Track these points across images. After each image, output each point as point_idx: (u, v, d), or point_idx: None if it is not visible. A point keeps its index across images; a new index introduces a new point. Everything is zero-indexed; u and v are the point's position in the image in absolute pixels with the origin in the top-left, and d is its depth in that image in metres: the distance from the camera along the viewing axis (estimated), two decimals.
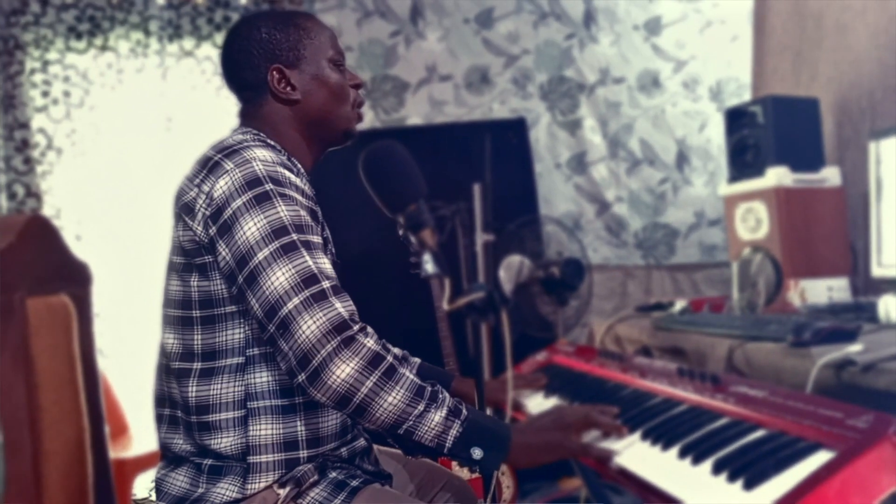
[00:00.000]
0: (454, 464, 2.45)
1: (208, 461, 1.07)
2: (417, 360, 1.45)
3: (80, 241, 2.92)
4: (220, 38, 3.06)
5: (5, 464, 1.08)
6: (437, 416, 0.98)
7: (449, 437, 0.99)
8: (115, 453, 2.28)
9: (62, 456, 1.13)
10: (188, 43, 3.05)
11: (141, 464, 2.33)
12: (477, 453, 1.00)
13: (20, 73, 2.90)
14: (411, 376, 0.99)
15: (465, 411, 1.01)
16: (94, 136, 2.97)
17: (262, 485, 1.05)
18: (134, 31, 3.01)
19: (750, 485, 0.80)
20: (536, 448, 1.04)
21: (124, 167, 2.98)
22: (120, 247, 2.94)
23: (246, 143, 1.07)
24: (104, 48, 2.99)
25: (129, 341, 2.90)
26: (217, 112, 3.04)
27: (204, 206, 1.03)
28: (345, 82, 1.20)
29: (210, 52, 3.06)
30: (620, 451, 1.07)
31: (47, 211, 2.91)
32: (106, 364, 2.83)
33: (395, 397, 0.96)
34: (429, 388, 1.00)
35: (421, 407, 0.98)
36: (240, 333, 1.07)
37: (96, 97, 2.97)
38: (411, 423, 0.97)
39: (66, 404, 1.16)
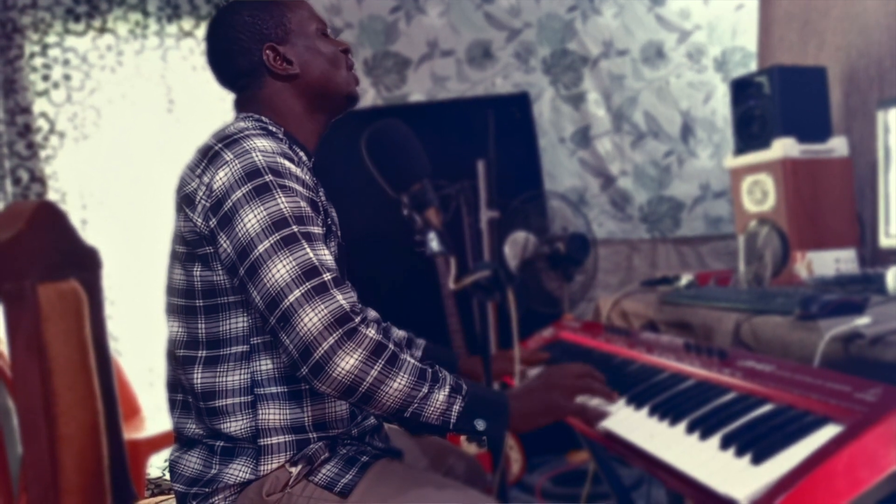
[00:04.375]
0: (462, 442, 2.48)
1: (220, 443, 1.09)
2: (423, 342, 1.46)
3: (85, 225, 2.93)
4: None
5: (22, 449, 1.10)
6: (440, 396, 1.00)
7: (453, 414, 1.00)
8: (127, 435, 2.31)
9: (77, 440, 1.15)
10: (187, 23, 3.03)
11: (154, 444, 2.37)
12: (480, 425, 1.01)
13: (20, 58, 2.88)
14: (412, 361, 1.00)
15: (465, 386, 1.03)
16: (95, 119, 2.96)
17: (275, 465, 1.06)
18: (132, 13, 2.98)
19: (758, 459, 0.80)
20: (534, 412, 1.07)
21: (127, 150, 2.98)
22: (125, 229, 2.95)
23: (246, 132, 1.06)
24: (103, 30, 2.97)
25: (137, 323, 2.92)
26: (218, 92, 3.02)
27: (204, 197, 1.03)
28: (335, 48, 1.20)
29: None
30: (614, 412, 1.09)
31: (52, 195, 2.91)
32: (115, 346, 2.86)
33: (399, 383, 0.97)
34: (430, 370, 1.01)
35: (425, 389, 0.99)
36: (243, 322, 1.07)
37: (97, 80, 2.96)
38: (416, 405, 0.99)
39: (79, 389, 1.18)
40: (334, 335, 0.93)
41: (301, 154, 1.16)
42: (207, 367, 1.08)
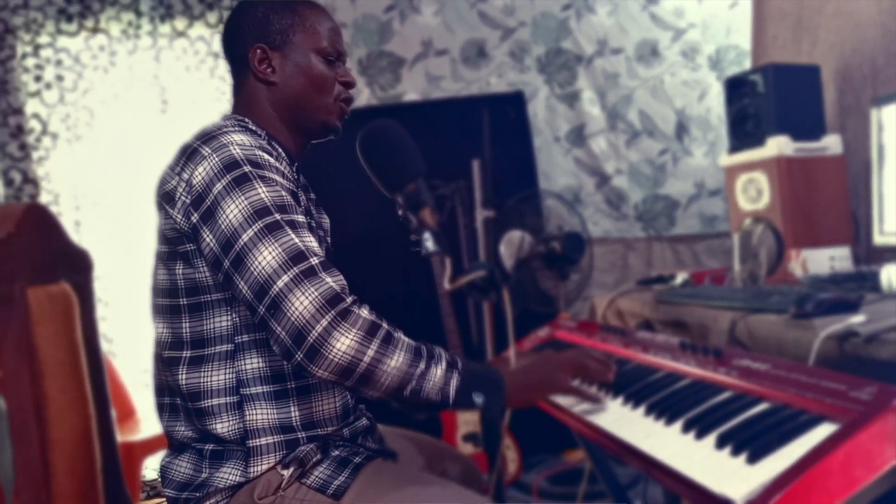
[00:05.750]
0: (458, 441, 2.48)
1: (209, 446, 1.08)
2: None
3: (79, 227, 2.91)
4: (212, 17, 3.02)
5: (14, 452, 1.09)
6: (438, 371, 1.00)
7: (451, 388, 1.01)
8: (122, 437, 2.30)
9: (69, 443, 1.14)
10: (180, 23, 3.01)
11: (149, 447, 2.36)
12: (478, 398, 1.02)
13: (12, 58, 2.87)
14: (407, 339, 1.00)
15: (460, 361, 1.03)
16: (88, 120, 2.95)
17: (265, 467, 1.06)
18: (125, 12, 2.97)
19: (754, 458, 0.80)
20: (529, 386, 1.08)
21: (121, 151, 2.96)
22: (119, 230, 2.93)
23: (224, 129, 1.06)
24: (95, 30, 2.95)
25: (132, 325, 2.91)
26: (212, 92, 3.02)
27: (184, 194, 1.02)
28: (330, 75, 1.18)
29: (203, 32, 3.03)
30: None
31: (45, 197, 2.90)
32: (110, 348, 2.85)
33: (396, 360, 0.96)
34: (424, 347, 1.01)
35: (422, 365, 0.99)
36: (227, 321, 1.07)
37: (89, 80, 2.94)
38: (415, 382, 0.98)
39: (71, 392, 1.17)
40: (327, 317, 0.92)
41: (280, 150, 1.15)
42: (192, 367, 1.08)
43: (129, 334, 2.92)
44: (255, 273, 0.95)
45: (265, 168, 1.02)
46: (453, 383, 1.01)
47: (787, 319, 1.26)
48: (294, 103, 1.17)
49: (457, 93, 3.19)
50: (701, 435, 0.92)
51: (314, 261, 0.96)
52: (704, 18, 3.20)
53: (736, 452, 0.83)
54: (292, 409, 1.08)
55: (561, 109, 3.23)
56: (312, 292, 0.93)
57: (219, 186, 0.99)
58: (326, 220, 1.22)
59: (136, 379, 2.84)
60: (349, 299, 0.96)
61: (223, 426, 1.07)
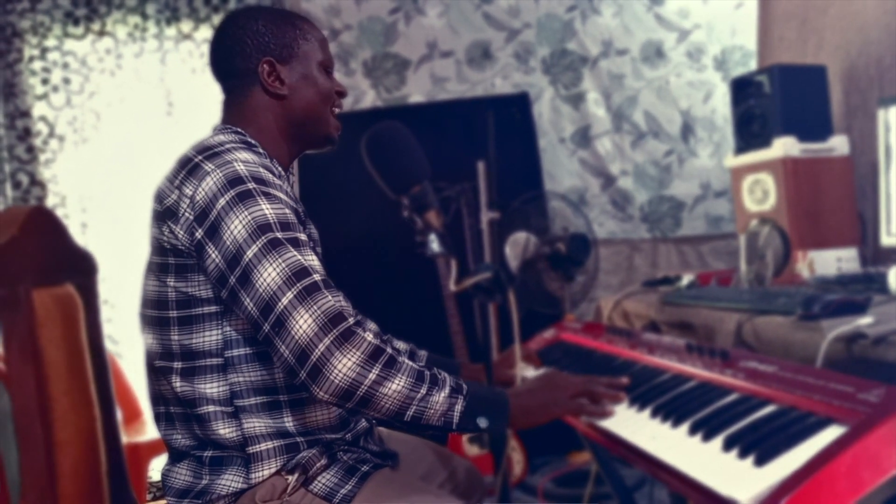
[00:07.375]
0: (464, 443, 2.47)
1: (209, 453, 1.08)
2: (425, 353, 1.45)
3: (85, 229, 2.93)
4: (217, 20, 3.03)
5: (19, 454, 1.10)
6: (440, 397, 0.99)
7: (455, 414, 1.00)
8: (129, 438, 2.31)
9: (74, 446, 1.14)
10: (186, 26, 3.02)
11: (155, 448, 2.36)
12: (483, 422, 1.02)
13: (19, 61, 2.88)
14: (410, 363, 1.00)
15: (465, 386, 1.03)
16: (95, 123, 2.96)
17: (267, 472, 1.05)
18: (131, 15, 2.98)
19: (761, 461, 0.80)
20: (534, 408, 1.07)
21: (127, 153, 2.97)
22: (126, 232, 2.94)
23: (227, 146, 1.06)
24: (102, 33, 2.96)
25: (138, 326, 2.91)
26: (217, 95, 3.02)
27: (188, 210, 1.01)
28: (331, 87, 1.20)
29: (208, 35, 3.03)
30: (616, 413, 1.08)
31: (52, 199, 2.91)
32: (116, 350, 2.86)
33: (398, 385, 0.96)
34: (428, 372, 1.01)
35: (423, 390, 0.98)
36: (217, 335, 1.06)
37: (96, 83, 2.96)
38: (416, 407, 0.98)
39: (76, 394, 1.17)
40: (330, 336, 0.93)
41: (279, 169, 1.16)
42: (185, 377, 1.07)
43: (135, 336, 2.90)
44: (261, 290, 0.95)
45: (269, 185, 1.03)
46: (457, 408, 1.00)
47: (794, 321, 1.26)
48: (302, 115, 1.17)
49: (462, 94, 3.19)
50: (708, 437, 0.91)
51: (317, 277, 0.97)
52: (710, 19, 3.19)
53: (743, 455, 0.83)
54: (287, 419, 1.08)
55: (566, 111, 3.22)
56: (316, 310, 0.94)
57: (222, 202, 0.99)
58: (315, 231, 1.21)
59: (142, 380, 2.85)
60: (352, 319, 0.96)
61: (223, 430, 1.06)
